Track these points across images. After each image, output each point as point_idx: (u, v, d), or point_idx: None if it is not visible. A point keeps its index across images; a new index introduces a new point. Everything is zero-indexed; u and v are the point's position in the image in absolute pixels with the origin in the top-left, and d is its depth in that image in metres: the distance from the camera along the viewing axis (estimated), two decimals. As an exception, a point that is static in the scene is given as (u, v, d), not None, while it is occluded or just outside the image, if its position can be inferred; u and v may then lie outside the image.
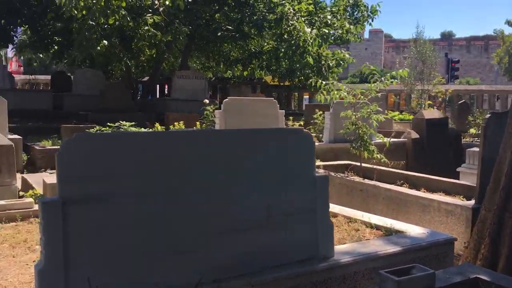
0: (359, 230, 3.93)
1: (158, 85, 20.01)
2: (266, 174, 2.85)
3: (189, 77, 14.11)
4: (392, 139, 6.91)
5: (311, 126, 8.84)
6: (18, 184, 5.50)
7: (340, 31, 14.87)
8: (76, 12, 9.81)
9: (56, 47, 15.93)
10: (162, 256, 2.46)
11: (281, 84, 17.50)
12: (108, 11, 10.02)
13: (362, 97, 6.08)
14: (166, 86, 20.46)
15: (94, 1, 9.67)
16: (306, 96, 21.84)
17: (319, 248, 2.99)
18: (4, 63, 14.31)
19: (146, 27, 10.94)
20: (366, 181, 5.50)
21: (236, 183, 2.75)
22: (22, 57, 25.32)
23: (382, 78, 5.93)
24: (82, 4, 9.73)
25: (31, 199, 4.38)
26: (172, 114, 9.86)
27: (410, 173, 6.14)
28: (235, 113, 6.14)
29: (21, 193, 5.05)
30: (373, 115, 6.03)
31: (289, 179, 2.92)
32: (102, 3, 9.82)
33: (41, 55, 19.22)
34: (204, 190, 2.64)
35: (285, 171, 2.91)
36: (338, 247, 3.20)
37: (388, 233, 3.74)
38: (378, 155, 5.90)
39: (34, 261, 3.34)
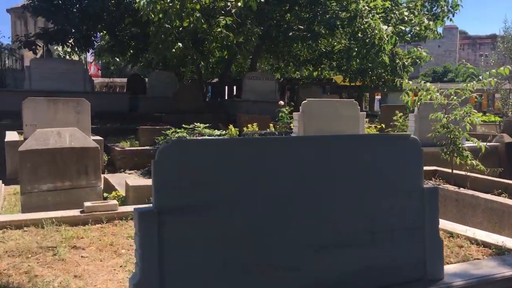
0: (463, 247, 3.52)
1: (226, 87, 20.20)
2: (369, 185, 2.57)
3: (259, 78, 14.03)
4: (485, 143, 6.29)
5: (389, 129, 8.34)
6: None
7: (417, 28, 14.07)
8: (153, 15, 10.03)
9: (131, 51, 16.53)
10: (258, 272, 2.27)
11: (352, 84, 16.94)
12: (183, 14, 10.15)
13: (455, 97, 5.56)
14: (235, 88, 20.60)
15: (170, 4, 9.84)
16: (377, 97, 21.01)
17: (427, 268, 2.66)
18: (84, 67, 15.05)
19: (219, 29, 10.96)
20: (462, 190, 5.00)
21: (336, 195, 2.49)
22: (99, 61, 26.73)
23: (480, 77, 5.38)
24: (159, 7, 9.92)
25: (115, 201, 4.40)
26: (244, 116, 9.79)
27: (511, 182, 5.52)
28: (314, 115, 5.87)
29: (104, 194, 5.12)
30: (467, 117, 5.50)
31: (394, 191, 2.62)
32: (178, 6, 9.96)
33: (117, 59, 20.10)
34: (303, 202, 2.41)
35: (390, 182, 2.61)
36: (445, 268, 2.84)
37: (500, 252, 3.30)
38: (473, 161, 5.37)
39: (120, 266, 3.31)
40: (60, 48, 19.52)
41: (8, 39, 20.15)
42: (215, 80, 21.05)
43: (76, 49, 15.67)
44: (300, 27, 13.37)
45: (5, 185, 6.61)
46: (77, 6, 14.08)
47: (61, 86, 13.24)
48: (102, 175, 6.81)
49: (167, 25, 10.59)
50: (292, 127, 8.49)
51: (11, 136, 8.02)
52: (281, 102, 8.85)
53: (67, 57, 19.03)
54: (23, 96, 12.80)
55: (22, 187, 4.43)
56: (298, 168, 2.39)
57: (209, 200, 2.17)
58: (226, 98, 19.77)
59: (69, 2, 14.05)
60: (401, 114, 8.32)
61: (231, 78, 19.74)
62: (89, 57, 26.96)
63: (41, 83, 13.18)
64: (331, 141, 2.63)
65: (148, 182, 5.34)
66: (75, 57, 19.91)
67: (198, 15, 10.32)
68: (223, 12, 11.35)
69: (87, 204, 4.23)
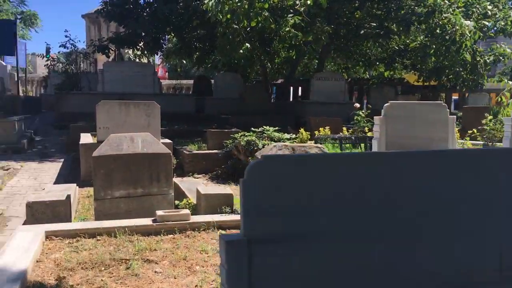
0: None
1: (291, 87, 19.84)
2: (498, 209, 2.09)
3: (328, 79, 13.52)
4: None
5: (478, 134, 7.55)
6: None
7: (502, 23, 12.89)
8: (221, 16, 9.90)
9: (197, 53, 16.65)
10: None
11: (426, 84, 15.90)
12: (251, 14, 9.92)
13: None
14: (300, 89, 20.18)
15: (238, 4, 9.65)
16: (454, 97, 19.65)
17: None
18: (154, 70, 15.34)
19: (287, 28, 10.62)
20: None
21: (460, 221, 2.04)
22: (166, 63, 27.41)
23: None
24: (227, 8, 9.77)
25: (187, 211, 4.18)
26: (314, 119, 9.37)
27: None
28: (398, 119, 5.34)
29: (175, 202, 4.94)
30: None
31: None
32: (246, 6, 9.75)
33: (184, 61, 20.42)
34: (415, 230, 1.99)
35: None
36: None
37: None
38: None
39: (196, 286, 3.06)
40: (130, 52, 20.17)
41: (83, 43, 21.04)
42: (279, 81, 20.76)
43: (146, 52, 16.02)
44: (373, 24, 12.69)
45: (79, 187, 6.70)
46: (147, 10, 14.36)
47: (132, 88, 13.55)
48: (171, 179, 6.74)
49: (234, 26, 10.42)
50: (366, 131, 7.96)
51: (86, 138, 8.19)
52: (357, 105, 8.34)
53: (137, 60, 19.59)
54: (96, 99, 13.26)
55: (96, 193, 4.34)
56: (423, 190, 1.97)
57: (312, 228, 1.81)
58: (291, 99, 19.39)
59: (139, 6, 14.37)
60: (491, 117, 7.51)
61: (296, 79, 19.35)
62: (157, 59, 27.78)
63: (113, 85, 13.56)
64: (462, 156, 2.17)
65: (220, 189, 5.11)
66: (144, 60, 20.48)
67: (266, 14, 10.05)
68: (291, 11, 11.00)
69: (159, 213, 4.05)
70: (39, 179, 7.61)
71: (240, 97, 13.28)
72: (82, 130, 10.20)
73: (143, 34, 13.80)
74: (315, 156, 2.28)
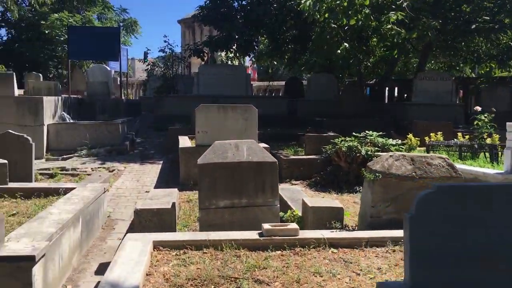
0: None
1: (387, 88, 18.81)
2: None
3: (433, 78, 12.49)
4: None
5: None
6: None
7: None
8: (318, 15, 9.51)
9: (289, 53, 16.41)
10: None
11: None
12: (350, 12, 9.40)
13: None
14: (396, 89, 19.07)
15: (337, 2, 9.19)
16: None
17: None
18: (246, 72, 15.37)
19: (389, 25, 9.92)
20: None
21: None
22: (255, 65, 27.59)
23: None
24: (325, 7, 9.36)
25: (295, 226, 3.87)
26: (421, 123, 8.60)
27: None
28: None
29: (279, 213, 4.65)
30: None
31: None
32: (345, 4, 9.26)
33: (275, 62, 20.33)
34: None
35: None
36: None
37: None
38: None
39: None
40: (223, 54, 20.54)
41: (178, 48, 21.84)
42: (372, 81, 19.82)
43: (238, 54, 16.13)
44: (486, 18, 11.46)
45: (179, 190, 6.73)
46: (241, 13, 14.43)
47: (224, 90, 13.67)
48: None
49: (332, 25, 9.96)
50: (485, 137, 7.08)
51: (184, 141, 8.27)
52: (478, 108, 7.44)
53: (229, 62, 19.87)
54: (191, 101, 13.59)
55: (200, 202, 4.20)
56: None
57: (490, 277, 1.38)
58: (387, 100, 18.38)
59: (234, 10, 14.49)
60: None
61: (392, 79, 18.30)
62: (247, 61, 28.08)
63: (207, 88, 13.79)
64: None
65: (328, 202, 4.73)
66: (235, 62, 20.73)
67: (367, 11, 9.46)
68: (393, 6, 10.27)
69: (266, 226, 3.78)
70: (141, 181, 7.82)
71: (336, 98, 12.77)
72: (179, 132, 10.41)
73: (236, 36, 13.86)
74: (503, 187, 1.78)
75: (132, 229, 4.76)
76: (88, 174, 8.09)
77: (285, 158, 7.82)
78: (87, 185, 5.35)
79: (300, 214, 4.63)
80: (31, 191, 5.04)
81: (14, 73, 9.31)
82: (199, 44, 15.53)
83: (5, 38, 33.59)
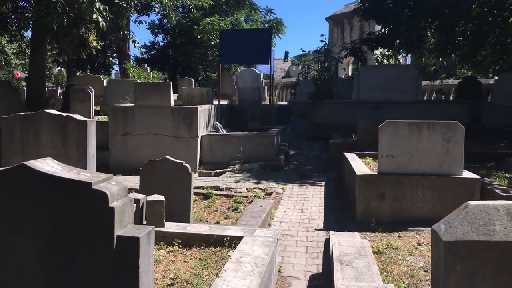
0: None
1: None
2: None
3: None
4: None
5: None
6: None
7: None
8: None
9: (465, 48, 13.68)
10: None
11: None
12: None
13: None
14: None
15: None
16: None
17: None
18: (417, 72, 13.07)
19: None
20: None
21: None
22: (409, 61, 24.68)
23: None
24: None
25: None
26: None
27: None
28: None
29: None
30: None
31: None
32: None
33: (440, 59, 17.54)
34: None
35: None
36: None
37: None
38: None
39: None
40: (378, 52, 18.47)
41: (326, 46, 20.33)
42: None
43: (402, 52, 13.99)
44: None
45: (357, 230, 5.22)
46: (410, 3, 12.29)
47: (389, 95, 11.77)
48: None
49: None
50: None
51: (357, 164, 6.72)
52: None
53: (385, 61, 17.74)
54: (350, 108, 11.99)
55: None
56: None
57: None
58: None
59: (401, 1, 12.41)
60: None
61: None
62: (400, 59, 25.35)
63: (368, 92, 12.05)
64: None
65: None
66: (392, 61, 18.47)
67: None
68: None
69: None
70: (305, 211, 6.50)
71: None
72: (342, 147, 8.92)
73: (406, 31, 11.80)
74: None
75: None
76: (244, 197, 7.11)
77: (503, 193, 5.72)
78: (254, 232, 4.14)
79: None
80: (190, 239, 4.00)
81: (170, 82, 8.78)
82: (356, 42, 13.80)
83: (161, 44, 36.12)
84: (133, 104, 9.44)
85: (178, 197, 4.88)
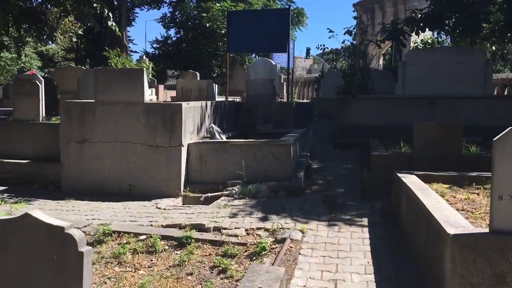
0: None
1: None
2: None
3: None
4: None
5: None
6: None
7: None
8: None
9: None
10: None
11: None
12: None
13: None
14: None
15: None
16: None
17: None
18: (486, 59, 9.85)
19: None
20: None
21: None
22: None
23: None
24: None
25: None
26: None
27: None
28: None
29: None
30: None
31: None
32: None
33: (499, 45, 14.34)
34: None
35: None
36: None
37: None
38: None
39: None
40: (418, 40, 15.41)
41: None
42: None
43: (458, 36, 10.94)
44: None
45: None
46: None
47: (446, 87, 8.80)
48: None
49: None
50: None
51: (428, 199, 3.84)
52: None
53: (427, 47, 14.62)
54: (394, 105, 9.08)
55: None
56: None
57: None
58: None
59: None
60: None
61: None
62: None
63: (417, 84, 9.10)
64: None
65: None
66: (435, 44, 15.38)
67: None
68: None
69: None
70: (341, 285, 3.65)
71: None
72: (391, 162, 6.07)
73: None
74: None
75: None
76: (241, 244, 4.49)
77: None
78: None
79: None
80: None
81: (144, 69, 6.02)
82: (399, 22, 10.82)
83: (174, 38, 33.60)
84: (93, 100, 6.75)
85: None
